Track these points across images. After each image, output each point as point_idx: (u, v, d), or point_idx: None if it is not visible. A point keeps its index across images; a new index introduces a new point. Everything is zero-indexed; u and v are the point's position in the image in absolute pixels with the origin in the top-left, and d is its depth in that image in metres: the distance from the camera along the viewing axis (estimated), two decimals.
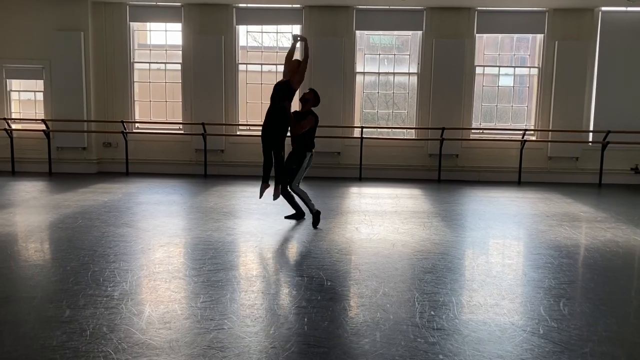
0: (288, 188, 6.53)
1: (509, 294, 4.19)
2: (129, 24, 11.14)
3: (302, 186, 6.68)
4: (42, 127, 10.86)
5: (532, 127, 11.21)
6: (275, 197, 6.45)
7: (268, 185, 6.46)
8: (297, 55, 7.06)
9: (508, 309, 3.85)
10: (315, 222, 6.43)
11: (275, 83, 6.51)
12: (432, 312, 3.74)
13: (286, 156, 6.50)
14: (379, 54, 11.34)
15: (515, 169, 10.97)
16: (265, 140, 6.37)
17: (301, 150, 6.44)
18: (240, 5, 10.96)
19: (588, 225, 6.95)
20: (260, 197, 6.61)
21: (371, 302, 3.93)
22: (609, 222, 7.07)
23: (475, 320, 3.62)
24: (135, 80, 11.40)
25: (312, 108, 6.56)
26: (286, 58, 6.53)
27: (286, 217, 6.82)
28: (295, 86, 6.36)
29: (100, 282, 4.26)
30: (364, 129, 10.92)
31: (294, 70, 6.36)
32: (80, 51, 10.79)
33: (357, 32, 11.08)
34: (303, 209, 6.78)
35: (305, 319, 3.58)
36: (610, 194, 9.74)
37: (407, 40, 11.34)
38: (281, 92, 6.29)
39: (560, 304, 3.98)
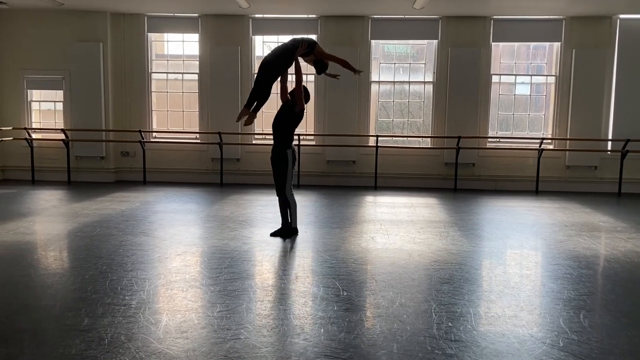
0: (285, 193, 6.29)
1: (528, 305, 4.14)
2: (147, 35, 11.29)
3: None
4: (62, 136, 11.02)
5: (550, 136, 11.11)
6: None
7: (248, 111, 6.17)
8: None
9: (527, 321, 3.80)
10: (285, 235, 6.30)
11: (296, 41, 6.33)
12: (450, 324, 3.71)
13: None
14: (394, 63, 11.34)
15: (532, 178, 10.87)
16: (263, 67, 6.16)
17: (283, 146, 6.19)
18: (257, 15, 11.05)
19: (608, 235, 6.85)
20: (237, 120, 6.32)
21: (388, 313, 3.91)
22: (629, 232, 6.96)
23: (494, 332, 3.59)
24: (152, 90, 11.54)
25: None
26: (329, 58, 6.44)
27: (272, 235, 6.45)
28: (321, 50, 6.31)
29: (118, 291, 4.30)
30: (379, 138, 10.91)
31: (329, 57, 6.39)
32: (99, 62, 10.96)
33: (373, 41, 11.10)
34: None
35: (322, 330, 3.58)
36: (630, 203, 9.59)
37: (423, 49, 11.33)
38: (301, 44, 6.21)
39: (581, 315, 3.92)
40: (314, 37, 11.04)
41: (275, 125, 6.29)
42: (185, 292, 4.33)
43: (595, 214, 8.28)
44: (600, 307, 4.24)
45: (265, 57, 6.26)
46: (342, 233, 6.63)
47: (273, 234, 6.42)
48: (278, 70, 6.22)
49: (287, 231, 6.37)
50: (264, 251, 5.74)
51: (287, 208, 6.39)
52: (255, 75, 6.33)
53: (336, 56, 6.39)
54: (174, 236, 6.32)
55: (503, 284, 4.71)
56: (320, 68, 6.48)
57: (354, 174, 11.25)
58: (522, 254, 5.87)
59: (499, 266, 5.34)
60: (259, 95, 6.18)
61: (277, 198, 6.39)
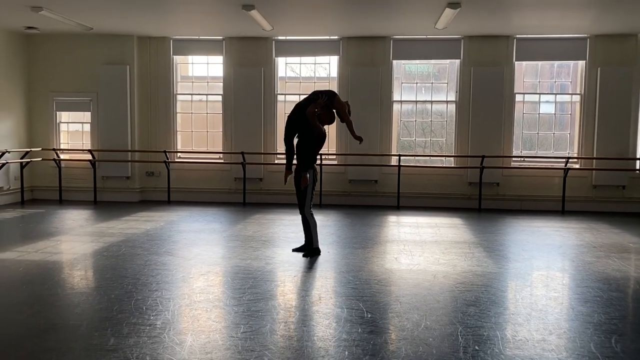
0: (304, 213, 6.38)
1: (556, 329, 4.04)
2: (172, 57, 11.53)
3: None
4: (89, 157, 11.25)
5: (575, 155, 10.94)
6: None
7: (290, 172, 6.46)
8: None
9: (556, 345, 3.71)
10: (308, 255, 6.34)
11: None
12: (477, 347, 3.64)
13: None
14: (416, 83, 11.35)
15: (558, 198, 10.69)
16: (288, 125, 6.39)
17: (304, 167, 6.27)
18: (280, 37, 11.21)
19: (638, 257, 6.68)
20: (285, 183, 6.61)
21: (413, 336, 3.86)
22: None
23: (522, 356, 3.51)
24: (177, 111, 11.73)
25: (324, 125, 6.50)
26: (342, 112, 6.49)
27: (294, 250, 6.63)
28: (339, 106, 6.39)
29: (143, 311, 4.34)
30: (402, 157, 10.88)
31: (343, 112, 6.45)
32: (125, 84, 11.21)
33: (394, 61, 11.14)
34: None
35: (346, 352, 3.54)
36: None
37: (445, 68, 11.33)
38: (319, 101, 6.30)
39: (612, 340, 3.81)
40: (335, 58, 11.18)
41: (297, 146, 6.39)
42: (209, 312, 4.34)
43: (625, 235, 8.09)
44: (633, 332, 4.12)
45: (289, 115, 6.45)
46: (365, 253, 6.59)
47: (295, 250, 6.56)
48: (302, 124, 6.34)
49: (310, 250, 6.39)
50: (287, 271, 5.74)
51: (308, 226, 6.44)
52: (284, 132, 6.50)
53: (347, 115, 6.49)
54: (197, 256, 6.37)
55: (530, 306, 4.61)
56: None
57: (376, 194, 11.21)
58: (549, 276, 5.75)
59: (526, 288, 5.24)
60: (292, 152, 6.43)
61: (300, 216, 6.46)
